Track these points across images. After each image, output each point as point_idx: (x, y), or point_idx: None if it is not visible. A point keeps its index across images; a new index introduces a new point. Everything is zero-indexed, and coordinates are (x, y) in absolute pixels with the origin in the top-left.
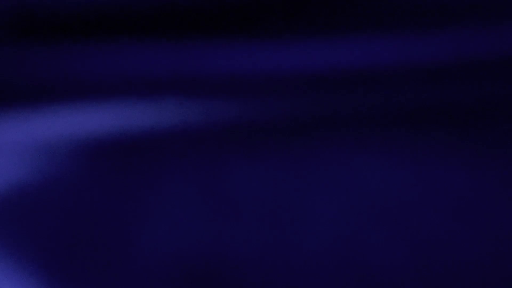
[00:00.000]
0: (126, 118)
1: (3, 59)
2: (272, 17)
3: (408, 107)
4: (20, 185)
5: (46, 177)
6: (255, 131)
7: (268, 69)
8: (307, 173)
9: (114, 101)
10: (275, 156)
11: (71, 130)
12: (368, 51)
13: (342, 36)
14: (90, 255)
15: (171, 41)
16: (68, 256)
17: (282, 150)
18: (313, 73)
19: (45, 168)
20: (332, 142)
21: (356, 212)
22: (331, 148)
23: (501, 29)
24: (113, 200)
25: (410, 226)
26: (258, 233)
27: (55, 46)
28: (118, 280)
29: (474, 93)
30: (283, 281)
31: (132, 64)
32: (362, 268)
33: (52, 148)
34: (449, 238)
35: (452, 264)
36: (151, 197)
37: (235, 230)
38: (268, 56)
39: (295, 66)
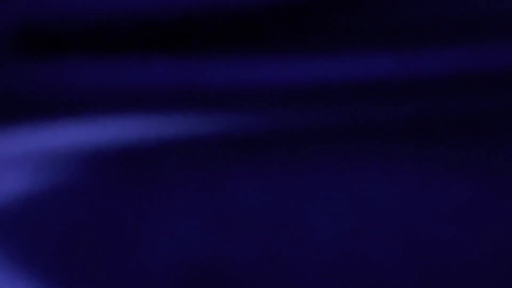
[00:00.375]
0: (129, 130)
1: (7, 73)
2: (274, 30)
3: (409, 119)
4: (24, 196)
5: (50, 188)
6: (257, 142)
7: (270, 82)
8: (308, 183)
9: (118, 113)
10: (277, 166)
11: (75, 142)
12: (370, 64)
13: (343, 48)
14: (93, 262)
15: (174, 54)
16: (72, 264)
17: (284, 161)
18: (316, 86)
19: (49, 179)
20: (334, 154)
21: (357, 221)
22: (332, 159)
23: (503, 41)
24: (116, 209)
25: (412, 236)
26: (259, 240)
27: (60, 60)
28: (119, 282)
29: (475, 105)
30: (283, 283)
31: (135, 76)
32: (362, 272)
33: (56, 160)
34: (449, 244)
35: (451, 268)
36: (153, 207)
37: (236, 236)
38: (270, 69)
39: (297, 78)
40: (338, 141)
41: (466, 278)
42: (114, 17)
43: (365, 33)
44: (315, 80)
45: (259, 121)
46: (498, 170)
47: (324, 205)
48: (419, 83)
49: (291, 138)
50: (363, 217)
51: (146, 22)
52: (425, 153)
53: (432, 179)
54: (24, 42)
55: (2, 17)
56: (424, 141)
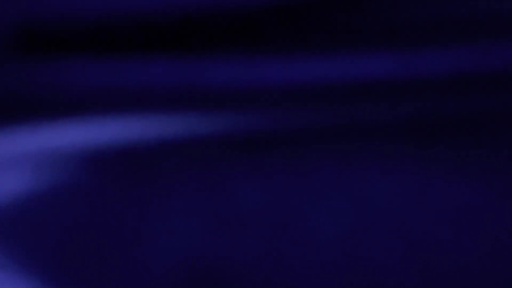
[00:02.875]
0: (129, 130)
1: (7, 72)
2: (273, 30)
3: (409, 119)
4: (24, 196)
5: (50, 188)
6: (256, 142)
7: (271, 82)
8: (308, 184)
9: (118, 113)
10: (278, 166)
11: (75, 142)
12: (369, 64)
13: (343, 48)
14: (93, 262)
15: (174, 53)
16: (71, 265)
17: (283, 161)
18: (316, 86)
19: (48, 179)
20: (334, 154)
21: (357, 221)
22: (332, 159)
23: (503, 41)
24: (117, 209)
25: (412, 236)
26: (260, 241)
27: (59, 60)
28: (119, 282)
29: (474, 105)
30: (283, 284)
31: (135, 76)
32: (362, 272)
33: (56, 159)
34: (449, 243)
35: (451, 267)
36: (154, 206)
37: (236, 237)
38: (270, 69)
39: (297, 78)
40: (337, 141)
41: (466, 278)
42: (114, 17)
43: (364, 33)
44: (314, 80)
45: (258, 121)
46: (497, 170)
47: (324, 205)
48: (418, 83)
49: (291, 138)
50: (363, 217)
51: (145, 22)
52: (425, 153)
53: (432, 179)
54: (24, 41)
55: (2, 17)
56: (424, 141)
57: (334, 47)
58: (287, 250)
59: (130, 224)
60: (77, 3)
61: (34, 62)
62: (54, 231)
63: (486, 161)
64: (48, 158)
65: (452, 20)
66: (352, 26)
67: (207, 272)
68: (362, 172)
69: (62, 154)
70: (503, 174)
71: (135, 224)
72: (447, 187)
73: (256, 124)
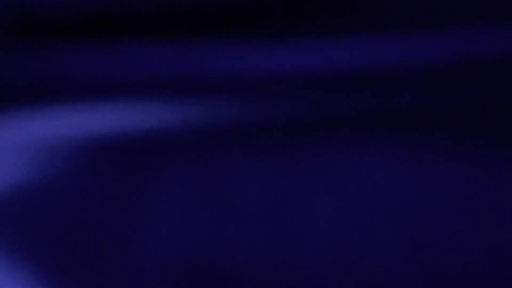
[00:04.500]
0: (127, 119)
1: (3, 60)
2: (272, 19)
3: (408, 108)
4: (20, 185)
5: (47, 177)
6: (255, 132)
7: (269, 71)
8: (307, 174)
9: (115, 101)
10: (275, 157)
11: (72, 131)
12: (368, 53)
13: (342, 37)
14: (90, 255)
15: (171, 42)
16: (68, 256)
17: (282, 151)
18: (313, 75)
19: (45, 168)
20: (333, 143)
21: (356, 213)
22: (331, 149)
23: (501, 30)
24: (114, 200)
25: (411, 226)
26: (258, 234)
27: (55, 47)
28: (118, 280)
29: (474, 94)
30: (283, 282)
31: (133, 65)
32: (363, 269)
33: (52, 148)
34: (449, 238)
35: (452, 264)
36: (151, 198)
37: (235, 230)
38: (269, 58)
39: (295, 67)
40: (336, 130)
41: (466, 278)
42: (111, 5)
43: (363, 22)
44: (312, 68)
45: (256, 111)
46: (498, 158)
47: (324, 202)
48: (419, 72)
49: (289, 128)
50: (362, 205)
51: (143, 10)
52: (425, 142)
53: (433, 174)
54: (21, 29)
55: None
56: (424, 130)
57: (333, 35)
58: (287, 247)
59: (126, 216)
60: None
61: (29, 49)
62: (49, 223)
63: (486, 149)
64: (42, 147)
65: (451, 9)
66: (350, 16)
67: (206, 270)
68: (361, 161)
69: (57, 143)
70: (503, 162)
71: (131, 216)
72: (447, 176)
73: (253, 113)
